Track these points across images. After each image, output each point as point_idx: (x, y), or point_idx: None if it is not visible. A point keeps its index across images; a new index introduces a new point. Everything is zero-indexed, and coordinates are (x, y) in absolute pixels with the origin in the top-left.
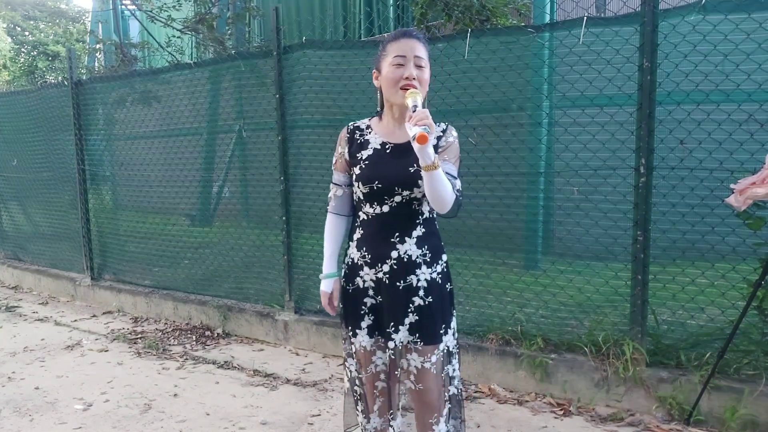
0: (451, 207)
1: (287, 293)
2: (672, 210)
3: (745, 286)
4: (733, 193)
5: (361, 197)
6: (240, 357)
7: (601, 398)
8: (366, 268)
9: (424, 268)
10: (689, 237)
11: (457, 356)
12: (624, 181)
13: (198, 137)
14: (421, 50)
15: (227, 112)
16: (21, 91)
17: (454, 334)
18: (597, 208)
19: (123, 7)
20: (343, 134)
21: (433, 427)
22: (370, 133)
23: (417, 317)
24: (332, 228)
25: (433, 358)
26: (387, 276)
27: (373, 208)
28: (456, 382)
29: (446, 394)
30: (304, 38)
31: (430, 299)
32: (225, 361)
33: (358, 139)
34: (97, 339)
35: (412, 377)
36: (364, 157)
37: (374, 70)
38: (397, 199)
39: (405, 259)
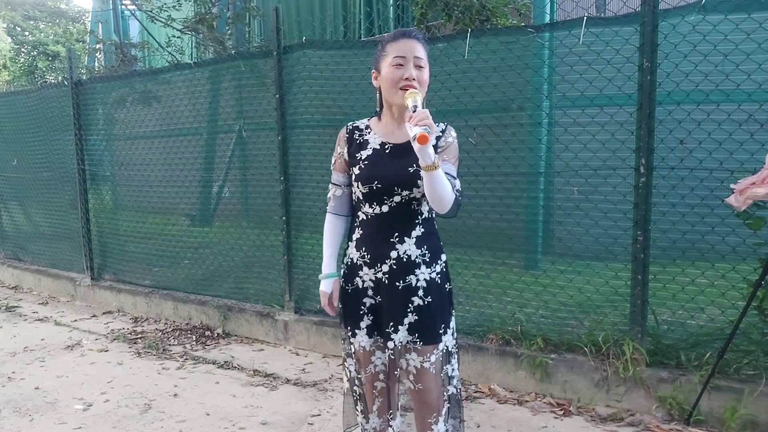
0: (451, 207)
1: (287, 293)
2: (672, 210)
3: (745, 286)
4: (733, 193)
5: (361, 197)
6: (240, 357)
7: (601, 398)
8: (365, 268)
9: (423, 268)
10: (689, 237)
11: (456, 356)
12: (624, 181)
13: (198, 137)
14: (420, 51)
15: (227, 112)
16: (21, 91)
17: (453, 334)
18: (597, 208)
19: (123, 7)
20: (342, 134)
21: (432, 427)
22: (369, 133)
23: (416, 317)
24: (331, 228)
25: (433, 358)
26: (386, 276)
27: (372, 208)
28: (455, 381)
29: (445, 393)
30: (304, 38)
31: (429, 299)
32: (225, 361)
33: (358, 139)
34: (97, 339)
35: (411, 377)
36: (363, 157)
37: (373, 71)
38: (397, 199)
39: (404, 259)
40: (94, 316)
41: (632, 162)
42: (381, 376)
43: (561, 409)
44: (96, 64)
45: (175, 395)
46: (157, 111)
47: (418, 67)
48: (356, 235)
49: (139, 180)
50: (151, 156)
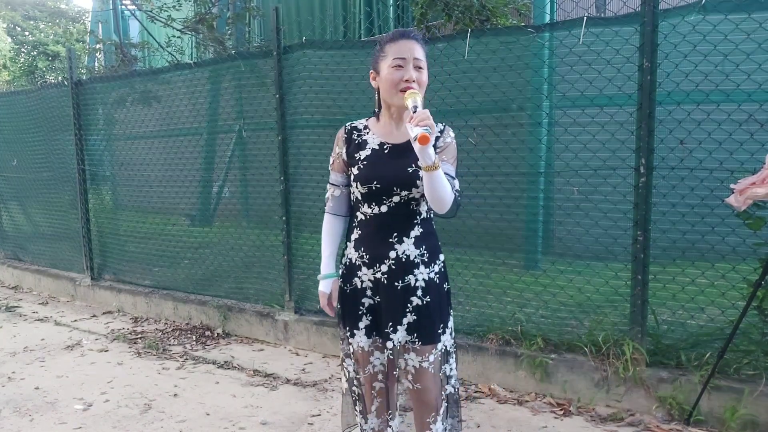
0: (450, 207)
1: (287, 293)
2: (672, 210)
3: (745, 286)
4: (733, 193)
5: (360, 197)
6: (240, 357)
7: (601, 398)
8: (364, 269)
9: (422, 268)
10: (689, 237)
11: (454, 356)
12: (624, 181)
13: (198, 137)
14: (419, 52)
15: (227, 112)
16: (21, 91)
17: (451, 334)
18: (597, 208)
19: (123, 7)
20: (341, 134)
21: (431, 426)
22: (368, 133)
23: (415, 317)
24: (330, 228)
25: (431, 358)
26: (385, 276)
27: (371, 208)
28: (453, 381)
29: (443, 393)
30: (304, 38)
31: (428, 299)
32: (225, 361)
33: (356, 140)
34: (97, 339)
35: (410, 377)
36: (362, 158)
37: (371, 71)
38: (396, 199)
39: (403, 259)
40: (94, 316)
41: (632, 162)
42: (380, 377)
43: (561, 409)
44: (96, 64)
45: (175, 395)
46: (157, 111)
47: (418, 68)
48: (355, 236)
49: (139, 180)
50: (151, 156)
